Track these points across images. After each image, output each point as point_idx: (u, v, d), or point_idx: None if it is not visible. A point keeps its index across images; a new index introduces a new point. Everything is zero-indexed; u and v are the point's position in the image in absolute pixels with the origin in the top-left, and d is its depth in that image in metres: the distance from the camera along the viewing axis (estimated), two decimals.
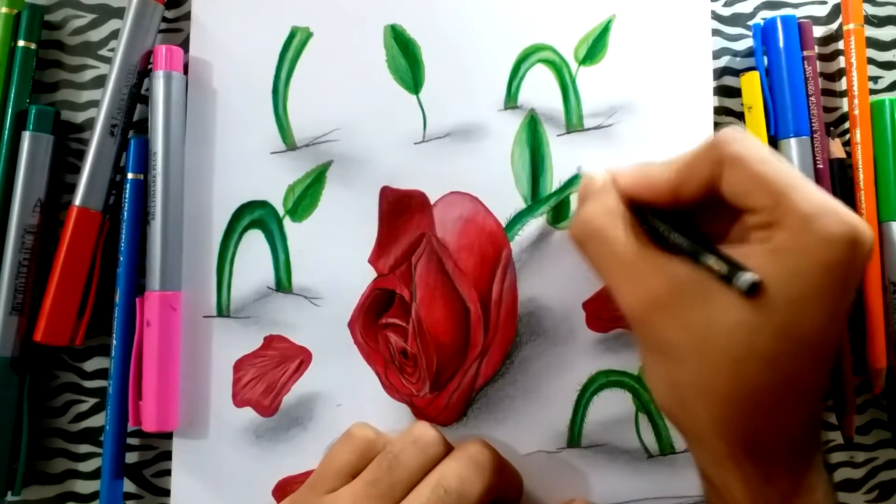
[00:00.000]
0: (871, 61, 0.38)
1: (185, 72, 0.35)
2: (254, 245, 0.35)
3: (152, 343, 0.33)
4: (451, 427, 0.35)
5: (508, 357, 0.35)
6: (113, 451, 0.33)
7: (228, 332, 0.35)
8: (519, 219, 0.36)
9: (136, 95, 0.34)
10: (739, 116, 0.37)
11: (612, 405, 0.35)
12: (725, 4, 0.38)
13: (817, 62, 0.37)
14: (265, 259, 0.35)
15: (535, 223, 0.36)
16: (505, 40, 0.36)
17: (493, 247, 0.36)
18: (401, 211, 0.36)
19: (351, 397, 0.35)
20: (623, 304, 0.28)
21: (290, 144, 0.35)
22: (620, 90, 0.36)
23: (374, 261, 0.35)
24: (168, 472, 0.34)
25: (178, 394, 0.34)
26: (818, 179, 0.36)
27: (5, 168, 0.33)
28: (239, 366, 0.35)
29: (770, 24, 0.36)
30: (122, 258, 0.34)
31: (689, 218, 0.30)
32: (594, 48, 0.37)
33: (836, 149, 0.37)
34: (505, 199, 0.36)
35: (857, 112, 0.36)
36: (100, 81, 0.36)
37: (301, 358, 0.35)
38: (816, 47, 0.37)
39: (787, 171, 0.26)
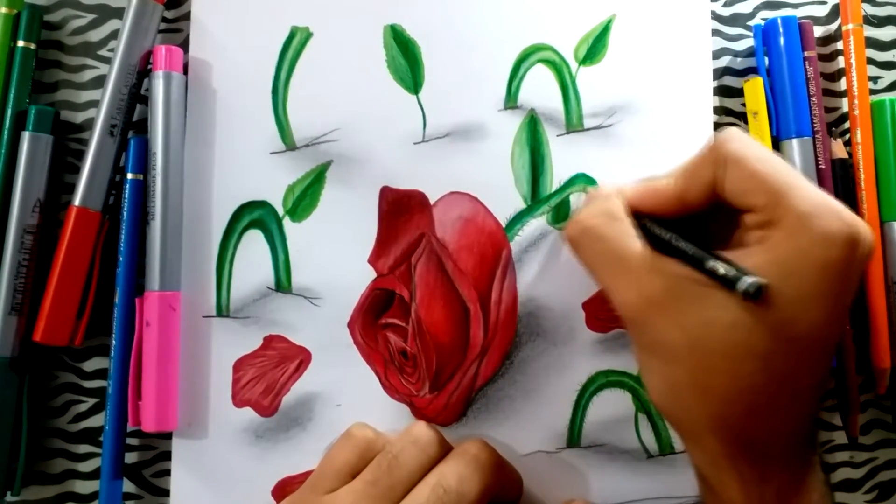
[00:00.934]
0: (870, 61, 0.38)
1: (185, 72, 0.35)
2: (253, 245, 0.35)
3: (152, 343, 0.33)
4: (450, 427, 0.35)
5: (508, 357, 0.35)
6: (112, 452, 0.33)
7: (228, 332, 0.35)
8: (519, 219, 0.36)
9: (135, 95, 0.34)
10: (740, 117, 0.37)
11: (612, 405, 0.35)
12: (725, 4, 0.38)
13: (818, 62, 0.37)
14: (265, 259, 0.35)
15: (535, 223, 0.36)
16: (505, 40, 0.36)
17: (492, 247, 0.36)
18: (400, 211, 0.36)
19: (350, 397, 0.35)
20: (618, 303, 0.28)
21: (289, 144, 0.35)
22: (620, 90, 0.36)
23: (373, 261, 0.35)
24: (167, 473, 0.34)
25: (178, 394, 0.34)
26: (820, 180, 0.36)
27: (5, 168, 0.33)
28: (238, 366, 0.35)
29: (771, 24, 0.36)
30: (121, 258, 0.34)
31: (690, 228, 0.30)
32: (594, 48, 0.37)
33: (838, 149, 0.37)
34: (505, 199, 0.36)
35: (857, 112, 0.36)
36: (99, 81, 0.36)
37: (301, 358, 0.35)
38: (817, 48, 0.37)
39: (787, 170, 0.26)
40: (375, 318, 0.35)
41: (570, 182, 0.36)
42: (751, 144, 0.27)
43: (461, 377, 0.35)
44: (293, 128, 0.35)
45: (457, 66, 0.36)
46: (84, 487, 0.34)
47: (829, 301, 0.25)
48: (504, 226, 0.36)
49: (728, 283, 0.25)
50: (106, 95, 0.33)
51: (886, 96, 0.37)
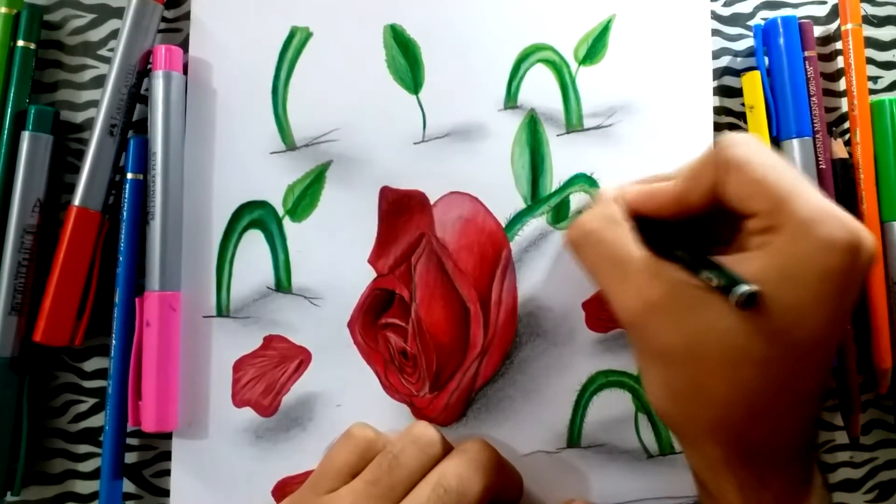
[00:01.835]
0: (870, 61, 0.38)
1: (185, 72, 0.35)
2: (253, 245, 0.35)
3: (152, 343, 0.33)
4: (450, 427, 0.35)
5: (508, 357, 0.35)
6: (112, 452, 0.33)
7: (228, 332, 0.35)
8: (519, 219, 0.36)
9: (135, 95, 0.34)
10: (739, 116, 0.37)
11: (612, 405, 0.35)
12: (725, 4, 0.38)
13: (818, 62, 0.37)
14: (265, 259, 0.35)
15: (535, 223, 0.36)
16: (505, 40, 0.36)
17: (492, 247, 0.36)
18: (400, 211, 0.36)
19: (350, 397, 0.35)
20: (617, 307, 0.28)
21: (289, 144, 0.35)
22: (620, 90, 0.36)
23: (373, 261, 0.35)
24: (167, 473, 0.34)
25: (178, 394, 0.34)
26: (821, 180, 0.36)
27: (5, 168, 0.33)
28: (238, 366, 0.35)
29: (771, 24, 0.36)
30: (121, 258, 0.34)
31: (692, 229, 0.30)
32: (594, 48, 0.37)
33: (839, 149, 0.37)
34: (505, 199, 0.36)
35: (856, 112, 0.36)
36: (99, 81, 0.36)
37: (301, 358, 0.35)
38: (816, 47, 0.37)
39: (790, 175, 0.26)
40: (375, 318, 0.35)
41: (570, 182, 0.36)
42: (755, 149, 0.27)
43: (461, 377, 0.35)
44: (293, 128, 0.35)
45: (457, 66, 0.36)
46: (84, 487, 0.34)
47: (829, 308, 0.25)
48: (504, 226, 0.36)
49: (723, 292, 0.25)
50: (106, 95, 0.33)
51: (886, 96, 0.37)
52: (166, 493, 0.34)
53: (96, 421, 0.35)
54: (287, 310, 0.35)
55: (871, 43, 0.38)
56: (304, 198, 0.35)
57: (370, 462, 0.30)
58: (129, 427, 0.33)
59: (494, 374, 0.35)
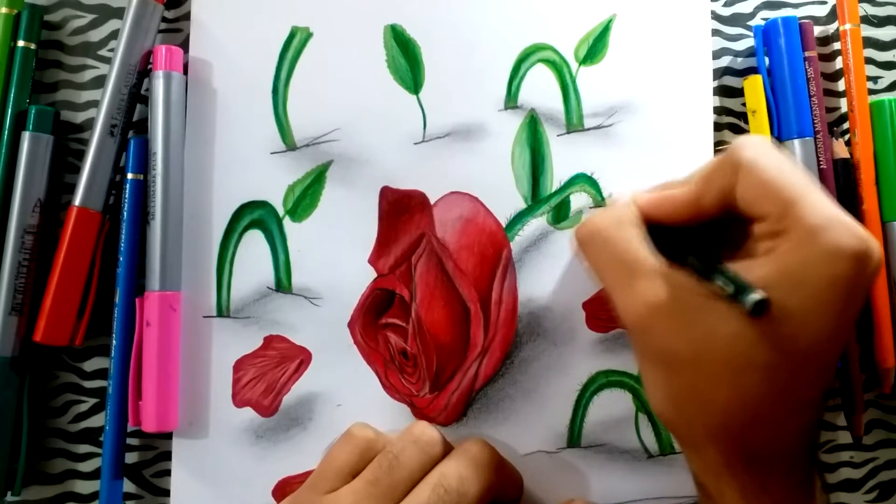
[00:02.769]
0: (870, 61, 0.38)
1: (185, 72, 0.35)
2: (254, 245, 0.35)
3: (152, 343, 0.33)
4: (450, 427, 0.35)
5: (508, 357, 0.35)
6: (113, 452, 0.33)
7: (228, 333, 0.35)
8: (519, 219, 0.36)
9: (135, 95, 0.34)
10: (740, 116, 0.37)
11: (612, 405, 0.35)
12: (725, 4, 0.38)
13: (818, 62, 0.37)
14: (265, 259, 0.35)
15: (536, 223, 0.36)
16: (505, 40, 0.36)
17: (493, 247, 0.36)
18: (401, 211, 0.36)
19: (351, 397, 0.35)
20: (622, 309, 0.28)
21: (289, 144, 0.35)
22: (620, 90, 0.36)
23: (374, 261, 0.35)
24: (168, 473, 0.34)
25: (178, 394, 0.34)
26: (822, 180, 0.36)
27: (5, 168, 0.33)
28: (239, 366, 0.35)
29: (771, 25, 0.36)
30: (121, 258, 0.34)
31: (702, 239, 0.30)
32: (594, 48, 0.37)
33: (840, 149, 0.37)
34: (505, 199, 0.36)
35: (855, 112, 0.36)
36: (99, 81, 0.36)
37: (301, 358, 0.35)
38: (817, 48, 0.37)
39: (800, 180, 0.26)
40: (376, 318, 0.35)
41: (571, 182, 0.36)
42: (766, 152, 0.27)
43: (461, 377, 0.35)
44: (293, 128, 0.35)
45: (457, 66, 0.36)
46: (84, 487, 0.34)
47: (834, 316, 0.25)
48: (504, 226, 0.36)
49: (732, 299, 0.25)
50: (106, 95, 0.33)
51: (886, 96, 0.37)
52: (167, 493, 0.34)
53: (96, 421, 0.35)
54: (287, 310, 0.35)
55: (871, 43, 0.38)
56: (305, 198, 0.35)
57: (370, 462, 0.30)
58: (130, 427, 0.33)
59: (495, 374, 0.35)
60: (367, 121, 0.36)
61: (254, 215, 0.35)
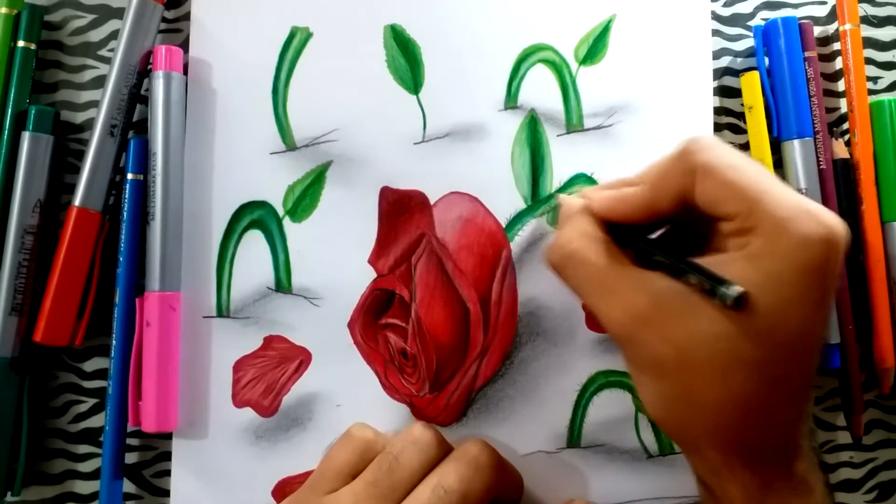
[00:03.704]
0: (870, 61, 0.38)
1: (185, 72, 0.35)
2: (253, 245, 0.35)
3: (152, 343, 0.33)
4: (450, 427, 0.35)
5: (508, 357, 0.35)
6: (112, 452, 0.33)
7: (228, 333, 0.35)
8: (519, 219, 0.36)
9: (135, 96, 0.34)
10: (739, 116, 0.37)
11: (612, 405, 0.35)
12: (725, 4, 0.38)
13: (818, 63, 0.37)
14: (265, 259, 0.35)
15: (535, 223, 0.36)
16: (505, 40, 0.36)
17: (492, 247, 0.36)
18: (400, 211, 0.36)
19: (351, 397, 0.35)
20: (606, 323, 0.28)
21: (289, 145, 0.35)
22: (620, 90, 0.36)
23: (373, 261, 0.35)
24: (168, 473, 0.34)
25: (178, 394, 0.34)
26: (822, 180, 0.36)
27: (5, 168, 0.33)
28: (239, 366, 0.35)
29: (771, 25, 0.36)
30: (121, 258, 0.34)
31: (666, 231, 0.30)
32: (594, 48, 0.37)
33: (840, 149, 0.37)
34: (505, 200, 0.36)
35: (855, 113, 0.36)
36: (99, 82, 0.36)
37: (301, 358, 0.35)
38: (817, 48, 0.37)
39: (759, 175, 0.26)
40: (375, 319, 0.35)
41: (571, 182, 0.36)
42: (721, 152, 0.27)
43: (461, 377, 0.35)
44: (293, 128, 0.35)
45: (457, 66, 0.36)
46: (84, 488, 0.34)
47: (813, 303, 0.25)
48: (504, 226, 0.36)
49: (709, 294, 0.25)
50: (106, 95, 0.33)
51: (886, 96, 0.37)
52: (166, 493, 0.34)
53: (96, 421, 0.35)
54: (287, 310, 0.35)
55: (871, 43, 0.38)
56: (305, 198, 0.35)
57: (370, 463, 0.30)
58: (130, 427, 0.33)
59: (494, 375, 0.35)
60: (367, 121, 0.36)
61: (254, 215, 0.35)
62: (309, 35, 0.36)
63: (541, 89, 0.36)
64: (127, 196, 0.34)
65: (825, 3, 0.38)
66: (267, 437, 0.34)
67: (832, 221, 0.25)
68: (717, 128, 0.37)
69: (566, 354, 0.35)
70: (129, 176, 0.34)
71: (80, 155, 0.34)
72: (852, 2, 0.37)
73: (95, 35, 0.36)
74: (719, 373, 0.25)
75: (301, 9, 0.36)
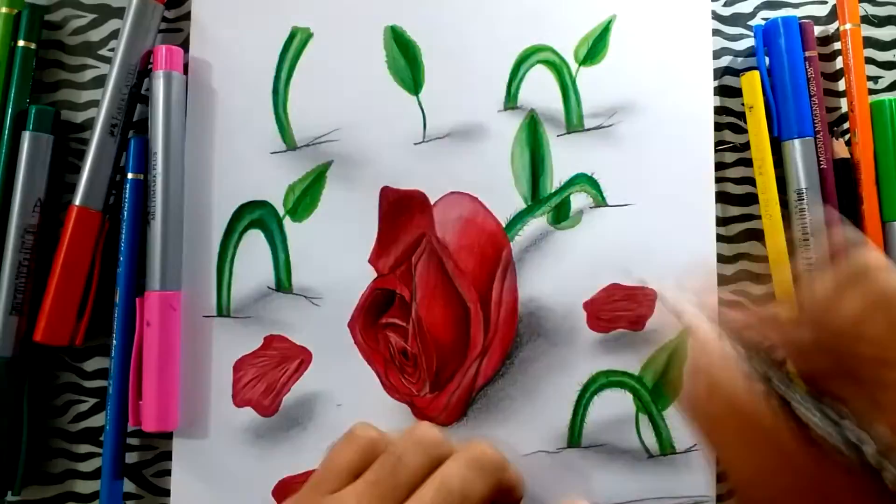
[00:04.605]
0: (871, 61, 0.38)
1: (185, 72, 0.35)
2: (254, 245, 0.35)
3: (152, 343, 0.33)
4: (451, 427, 0.35)
5: (508, 357, 0.35)
6: (113, 451, 0.33)
7: (228, 332, 0.35)
8: (519, 219, 0.36)
9: (136, 95, 0.34)
10: (740, 116, 0.37)
11: (613, 405, 0.35)
12: (725, 4, 0.38)
13: (818, 62, 0.37)
14: (265, 259, 0.35)
15: (536, 223, 0.36)
16: (505, 41, 0.36)
17: (493, 247, 0.36)
18: (401, 211, 0.36)
19: (351, 397, 0.35)
20: (751, 482, 0.24)
21: (290, 144, 0.35)
22: (621, 90, 0.36)
23: (374, 261, 0.35)
24: (168, 472, 0.34)
25: (178, 394, 0.34)
26: (822, 180, 0.36)
27: (5, 168, 0.33)
28: (239, 366, 0.35)
29: (771, 24, 0.36)
30: (122, 258, 0.34)
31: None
32: (594, 48, 0.37)
33: (840, 149, 0.37)
34: (505, 200, 0.36)
35: (856, 112, 0.36)
36: (100, 81, 0.36)
37: (301, 358, 0.35)
38: (817, 48, 0.37)
39: None
40: (376, 318, 0.35)
41: (571, 182, 0.36)
42: None
43: (462, 377, 0.35)
44: (293, 128, 0.35)
45: (457, 67, 0.36)
46: (84, 487, 0.34)
47: None
48: (504, 226, 0.36)
49: (858, 462, 0.20)
50: (106, 95, 0.33)
51: (886, 96, 0.37)
52: (167, 492, 0.34)
53: (97, 421, 0.35)
54: (287, 310, 0.35)
55: (872, 43, 0.38)
56: (305, 198, 0.35)
57: (372, 462, 0.30)
58: (130, 427, 0.33)
59: (495, 374, 0.35)
60: (368, 121, 0.36)
61: (254, 215, 0.35)
62: (309, 35, 0.36)
63: (541, 90, 0.36)
64: (127, 195, 0.34)
65: (825, 2, 0.38)
66: (267, 437, 0.34)
67: None
68: (718, 127, 0.37)
69: (567, 354, 0.35)
70: (130, 175, 0.34)
71: (81, 154, 0.34)
72: (853, 1, 0.37)
73: (96, 35, 0.36)
74: None
75: (301, 9, 0.36)
